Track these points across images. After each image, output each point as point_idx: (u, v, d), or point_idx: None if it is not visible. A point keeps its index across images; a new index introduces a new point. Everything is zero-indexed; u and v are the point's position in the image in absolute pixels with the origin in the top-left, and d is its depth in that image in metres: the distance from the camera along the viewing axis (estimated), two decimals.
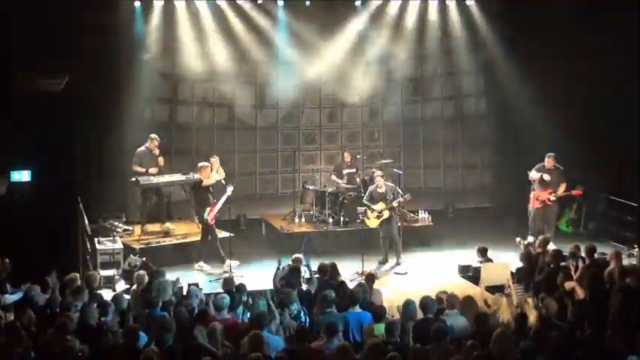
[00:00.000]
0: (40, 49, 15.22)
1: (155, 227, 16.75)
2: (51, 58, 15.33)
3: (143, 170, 16.33)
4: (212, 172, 15.89)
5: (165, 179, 16.48)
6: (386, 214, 15.70)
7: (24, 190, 15.03)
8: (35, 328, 9.93)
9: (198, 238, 15.95)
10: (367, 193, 16.15)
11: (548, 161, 16.49)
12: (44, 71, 15.17)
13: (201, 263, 15.54)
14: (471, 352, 8.90)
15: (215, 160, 16.69)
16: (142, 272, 12.32)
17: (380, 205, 15.73)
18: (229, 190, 15.65)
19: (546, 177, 16.35)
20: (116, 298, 11.23)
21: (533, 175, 16.58)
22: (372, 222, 15.90)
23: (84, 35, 15.89)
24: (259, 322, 9.80)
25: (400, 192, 16.13)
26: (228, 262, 15.24)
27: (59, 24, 15.33)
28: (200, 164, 15.89)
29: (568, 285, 11.73)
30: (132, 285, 12.45)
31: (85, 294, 11.11)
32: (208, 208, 15.35)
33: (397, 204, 15.89)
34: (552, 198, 16.52)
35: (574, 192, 16.76)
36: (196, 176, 16.21)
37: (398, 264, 15.72)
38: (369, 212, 15.98)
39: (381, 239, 16.01)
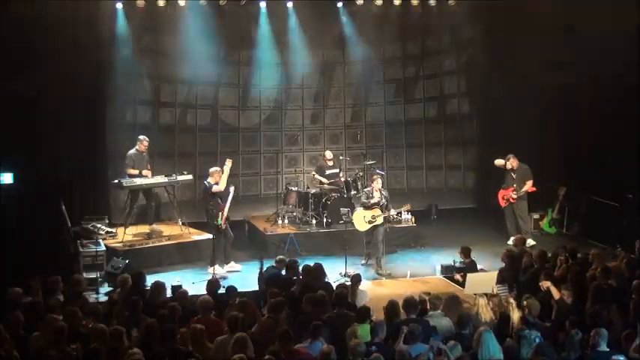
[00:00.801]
0: (20, 51, 15.20)
1: (140, 229, 16.68)
2: (32, 61, 15.32)
3: (137, 172, 16.19)
4: (223, 177, 15.60)
5: (149, 181, 16.38)
6: (379, 221, 15.61)
7: (6, 193, 15.00)
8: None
9: (183, 240, 16.12)
10: (364, 195, 16.01)
11: (511, 162, 16.98)
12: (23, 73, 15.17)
13: (233, 263, 15.62)
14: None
15: (228, 164, 15.70)
16: (125, 275, 12.29)
17: (375, 211, 15.63)
18: (232, 190, 15.60)
19: (509, 165, 17.02)
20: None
21: (498, 161, 17.06)
22: (363, 225, 15.77)
23: (64, 36, 15.82)
24: (234, 323, 9.83)
25: (386, 196, 16.06)
26: (216, 268, 15.22)
27: (39, 24, 15.29)
28: (211, 169, 15.61)
29: (543, 284, 11.79)
30: (116, 287, 12.41)
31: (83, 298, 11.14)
32: (220, 213, 15.30)
33: (396, 213, 15.84)
34: (514, 196, 16.99)
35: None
36: (179, 178, 16.37)
37: (379, 267, 15.64)
38: (355, 214, 15.90)
39: (365, 243, 15.97)
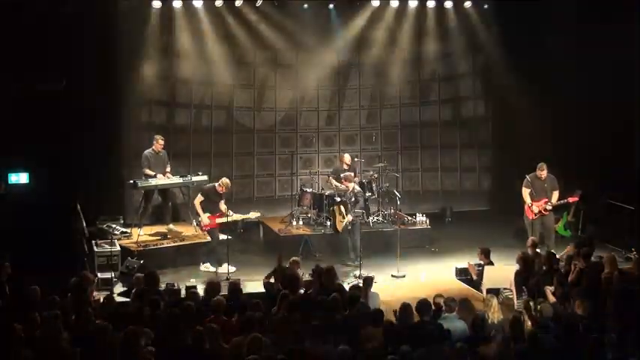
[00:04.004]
0: (39, 52, 15.26)
1: (155, 229, 16.74)
2: (50, 61, 15.38)
3: (153, 173, 16.27)
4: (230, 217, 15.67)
5: (163, 182, 16.43)
6: (349, 218, 15.86)
7: (21, 192, 15.06)
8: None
9: (197, 241, 16.23)
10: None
11: (541, 173, 16.10)
12: (43, 73, 15.24)
13: (207, 264, 15.63)
14: (459, 355, 8.95)
15: (252, 215, 16.13)
16: (140, 275, 12.33)
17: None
18: (252, 214, 15.96)
19: (541, 175, 16.13)
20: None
21: (524, 193, 16.34)
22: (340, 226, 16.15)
23: (82, 38, 15.89)
24: (250, 324, 9.83)
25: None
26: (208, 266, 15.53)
27: (58, 26, 15.36)
28: (225, 179, 15.69)
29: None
30: (130, 288, 12.47)
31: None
32: (205, 215, 15.42)
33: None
34: (549, 207, 16.21)
35: (571, 199, 16.52)
36: (194, 179, 16.68)
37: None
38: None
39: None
